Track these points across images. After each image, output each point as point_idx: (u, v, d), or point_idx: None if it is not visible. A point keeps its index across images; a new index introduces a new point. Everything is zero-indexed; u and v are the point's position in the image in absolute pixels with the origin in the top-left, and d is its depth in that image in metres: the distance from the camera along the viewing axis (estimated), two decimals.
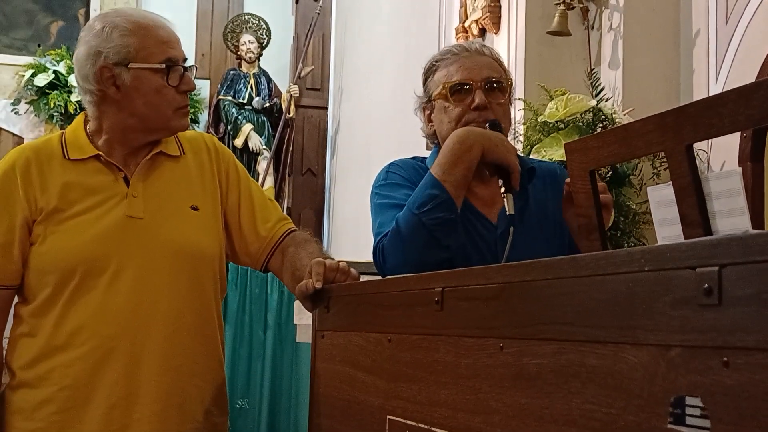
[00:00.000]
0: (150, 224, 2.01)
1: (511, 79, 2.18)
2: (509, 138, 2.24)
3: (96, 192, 2.01)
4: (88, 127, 2.08)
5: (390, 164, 2.20)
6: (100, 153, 2.04)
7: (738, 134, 3.15)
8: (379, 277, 1.99)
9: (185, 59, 2.08)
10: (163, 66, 2.01)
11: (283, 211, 7.84)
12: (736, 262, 0.76)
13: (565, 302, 1.00)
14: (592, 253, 0.98)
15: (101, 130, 2.06)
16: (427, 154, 2.26)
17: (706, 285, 0.78)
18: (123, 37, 2.00)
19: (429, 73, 2.19)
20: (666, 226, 1.47)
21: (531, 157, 3.39)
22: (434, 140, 2.21)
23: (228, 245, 2.18)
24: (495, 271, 1.20)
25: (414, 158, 2.24)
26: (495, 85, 2.10)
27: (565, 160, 3.15)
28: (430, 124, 2.19)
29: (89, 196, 2.00)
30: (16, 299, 2.06)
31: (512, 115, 2.16)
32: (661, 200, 1.48)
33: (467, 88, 2.09)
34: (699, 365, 0.79)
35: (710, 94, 3.43)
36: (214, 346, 2.12)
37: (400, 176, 2.14)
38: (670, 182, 1.44)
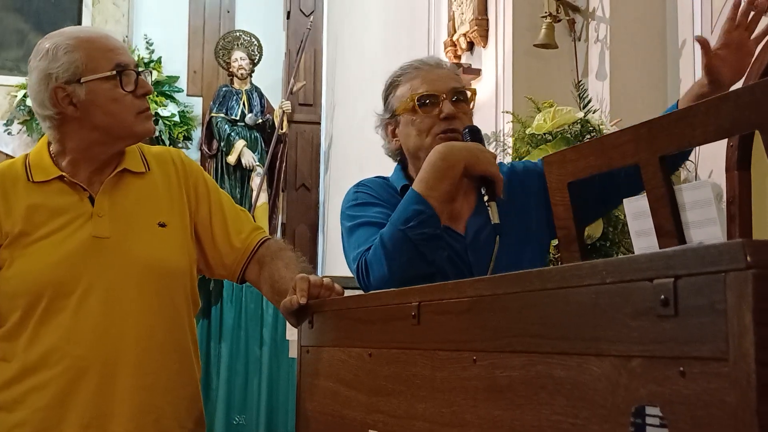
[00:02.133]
0: (117, 243, 2.00)
1: (475, 90, 2.21)
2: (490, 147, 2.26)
3: (61, 213, 2.00)
4: (51, 149, 2.07)
5: (357, 184, 2.21)
6: (64, 174, 2.02)
7: (725, 143, 3.16)
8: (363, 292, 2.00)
9: (136, 64, 2.07)
10: (114, 72, 2.00)
11: (278, 226, 7.86)
12: (690, 274, 0.77)
13: (533, 314, 1.02)
14: (558, 266, 0.99)
15: (65, 152, 2.05)
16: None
17: (663, 296, 0.79)
18: (68, 53, 1.99)
19: (390, 89, 2.21)
20: (642, 236, 1.48)
21: None
22: (398, 156, 2.23)
23: (202, 259, 2.18)
24: (468, 285, 1.21)
25: (379, 177, 2.26)
26: (460, 96, 2.14)
27: None
28: (395, 139, 2.20)
29: (55, 217, 1.99)
30: None
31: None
32: (637, 211, 1.49)
33: (434, 99, 2.12)
34: (658, 375, 0.80)
35: None
36: (188, 361, 2.11)
37: (369, 195, 2.15)
38: (645, 194, 1.45)
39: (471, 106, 2.18)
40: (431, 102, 2.12)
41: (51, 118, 2.01)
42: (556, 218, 1.71)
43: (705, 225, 1.35)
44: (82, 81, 1.98)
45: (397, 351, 1.40)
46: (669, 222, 1.39)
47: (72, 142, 2.03)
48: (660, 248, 1.40)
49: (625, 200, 1.57)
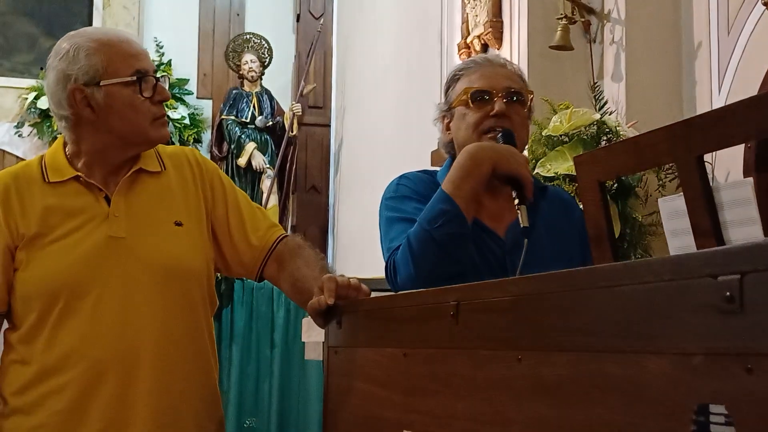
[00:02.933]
0: (133, 243, 2.00)
1: (532, 94, 2.20)
2: (525, 152, 2.25)
3: (77, 214, 2.00)
4: (66, 150, 2.08)
5: (400, 177, 2.22)
6: (80, 174, 2.03)
7: (742, 144, 3.16)
8: (390, 293, 2.00)
9: (155, 70, 2.07)
10: (135, 78, 2.00)
11: (288, 229, 7.90)
12: (757, 270, 0.76)
13: (583, 313, 1.01)
14: (610, 264, 0.99)
15: (80, 153, 2.05)
16: (429, 167, 2.28)
17: (728, 293, 0.79)
18: (89, 56, 1.99)
19: (451, 82, 2.22)
20: (678, 236, 1.48)
21: (536, 171, 3.42)
22: (450, 150, 2.23)
23: (219, 258, 2.17)
24: (511, 284, 1.20)
25: (424, 171, 2.26)
26: (515, 96, 2.13)
27: (570, 173, 3.17)
28: (448, 132, 2.21)
29: (70, 218, 1.99)
30: (5, 325, 2.06)
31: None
32: (673, 211, 1.49)
33: (487, 97, 2.12)
34: (722, 372, 0.80)
35: (713, 106, 3.45)
36: (206, 361, 2.11)
37: (409, 189, 2.15)
38: (681, 193, 1.45)
39: (526, 109, 2.18)
40: (484, 98, 2.12)
41: (67, 119, 2.01)
42: (588, 217, 1.70)
43: (744, 224, 1.34)
44: (101, 84, 1.98)
45: (434, 350, 1.40)
46: (706, 221, 1.38)
47: (86, 144, 2.04)
48: (697, 248, 1.40)
49: (660, 200, 1.56)
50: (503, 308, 1.19)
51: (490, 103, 2.11)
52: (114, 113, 1.99)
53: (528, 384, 1.12)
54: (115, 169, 2.06)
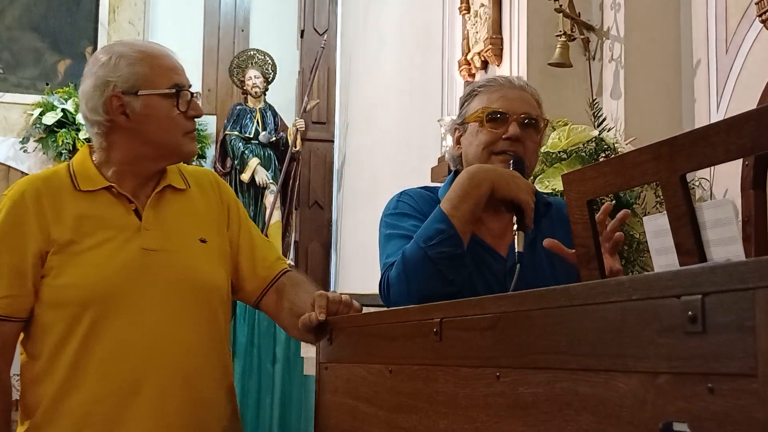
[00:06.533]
0: (165, 256, 2.03)
1: (547, 121, 2.21)
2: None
3: (109, 224, 2.02)
4: (94, 158, 2.09)
5: (401, 193, 2.22)
6: (113, 185, 2.05)
7: (740, 162, 3.16)
8: (382, 309, 2.01)
9: (191, 86, 2.11)
10: (173, 91, 2.04)
11: (290, 244, 7.85)
12: (718, 290, 0.77)
13: (558, 331, 1.02)
14: (583, 282, 1.00)
15: (109, 162, 2.07)
16: (429, 183, 2.29)
17: (690, 313, 0.80)
18: (131, 65, 2.03)
19: (469, 96, 2.21)
20: (662, 254, 1.49)
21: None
22: (458, 164, 2.22)
23: None
24: (491, 302, 1.21)
25: (425, 188, 2.26)
26: (532, 122, 2.13)
27: None
28: (458, 146, 2.21)
29: (103, 228, 2.01)
30: (21, 336, 2.03)
31: None
32: (657, 230, 1.50)
33: (504, 118, 2.12)
34: (686, 392, 0.81)
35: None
36: (229, 374, 2.16)
37: (410, 206, 2.16)
38: (665, 212, 1.45)
39: (540, 135, 2.18)
40: (500, 119, 2.12)
41: (101, 125, 2.04)
42: (575, 236, 1.71)
43: (726, 243, 1.35)
44: (139, 93, 2.02)
45: (419, 367, 1.41)
46: (690, 241, 1.39)
47: (119, 153, 2.06)
48: (680, 266, 1.40)
49: (645, 218, 1.57)
50: (483, 326, 1.20)
51: (505, 125, 2.11)
52: (151, 122, 2.03)
53: (506, 402, 1.13)
54: (143, 182, 2.09)
